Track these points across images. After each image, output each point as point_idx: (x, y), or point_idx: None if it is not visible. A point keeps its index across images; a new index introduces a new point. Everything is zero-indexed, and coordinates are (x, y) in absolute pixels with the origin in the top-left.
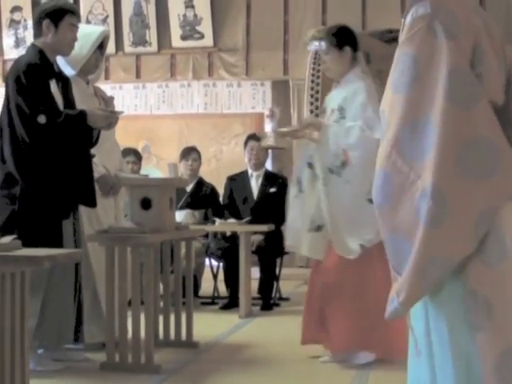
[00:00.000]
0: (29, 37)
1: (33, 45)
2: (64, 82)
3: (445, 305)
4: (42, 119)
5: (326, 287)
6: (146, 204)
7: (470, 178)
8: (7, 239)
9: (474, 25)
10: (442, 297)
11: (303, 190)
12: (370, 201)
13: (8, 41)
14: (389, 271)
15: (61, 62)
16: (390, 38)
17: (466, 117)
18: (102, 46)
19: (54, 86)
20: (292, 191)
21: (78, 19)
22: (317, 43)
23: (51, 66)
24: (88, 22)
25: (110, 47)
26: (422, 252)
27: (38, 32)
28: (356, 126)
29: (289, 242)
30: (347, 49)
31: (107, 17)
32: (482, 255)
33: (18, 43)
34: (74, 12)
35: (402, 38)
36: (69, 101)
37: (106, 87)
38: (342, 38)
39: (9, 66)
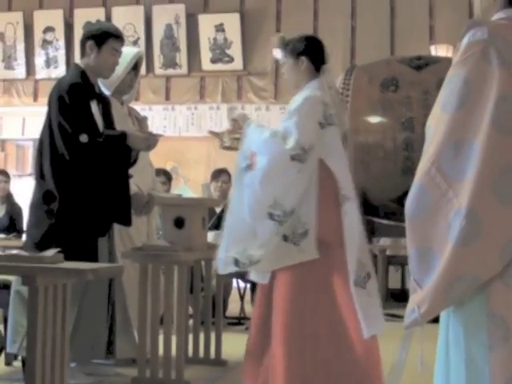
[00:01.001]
0: (60, 57)
1: (75, 65)
2: (104, 103)
3: (464, 320)
4: (84, 138)
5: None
6: (179, 223)
7: (505, 203)
8: (51, 252)
9: None
10: (462, 312)
11: None
12: (270, 216)
13: (39, 60)
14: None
15: None
16: (419, 64)
17: (509, 144)
18: (136, 66)
19: (94, 107)
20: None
21: (122, 44)
22: (277, 51)
23: (92, 87)
24: None
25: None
26: (449, 269)
27: (82, 52)
28: (269, 130)
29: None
30: (303, 58)
31: (138, 39)
32: (506, 277)
33: (48, 63)
34: (118, 36)
35: (456, 58)
36: (109, 121)
37: (136, 108)
38: (299, 46)
39: (40, 85)
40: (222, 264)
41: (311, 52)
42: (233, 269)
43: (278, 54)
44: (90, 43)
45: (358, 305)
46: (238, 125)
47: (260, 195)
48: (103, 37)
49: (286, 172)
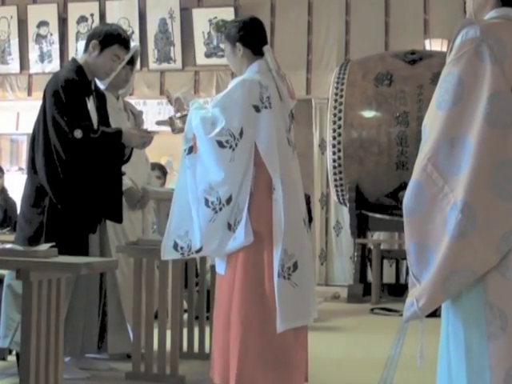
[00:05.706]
0: (54, 51)
1: (73, 60)
2: (100, 99)
3: (463, 312)
4: (78, 134)
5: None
6: None
7: (500, 196)
8: (45, 246)
9: None
10: (460, 304)
11: None
12: (206, 201)
13: (33, 55)
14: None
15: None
16: (413, 59)
17: (502, 138)
18: (132, 61)
19: (90, 103)
20: None
21: (126, 53)
22: (219, 35)
23: (89, 84)
24: None
25: None
26: (446, 262)
27: (85, 48)
28: (202, 114)
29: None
30: (238, 45)
31: (132, 33)
32: (503, 269)
33: (42, 57)
34: (123, 45)
35: (449, 57)
36: (103, 118)
37: (130, 102)
38: (233, 33)
39: (34, 79)
40: (164, 249)
41: (246, 37)
42: (174, 255)
43: (214, 40)
44: (94, 42)
45: (277, 297)
46: (180, 104)
47: (198, 179)
48: (109, 40)
49: (218, 160)
